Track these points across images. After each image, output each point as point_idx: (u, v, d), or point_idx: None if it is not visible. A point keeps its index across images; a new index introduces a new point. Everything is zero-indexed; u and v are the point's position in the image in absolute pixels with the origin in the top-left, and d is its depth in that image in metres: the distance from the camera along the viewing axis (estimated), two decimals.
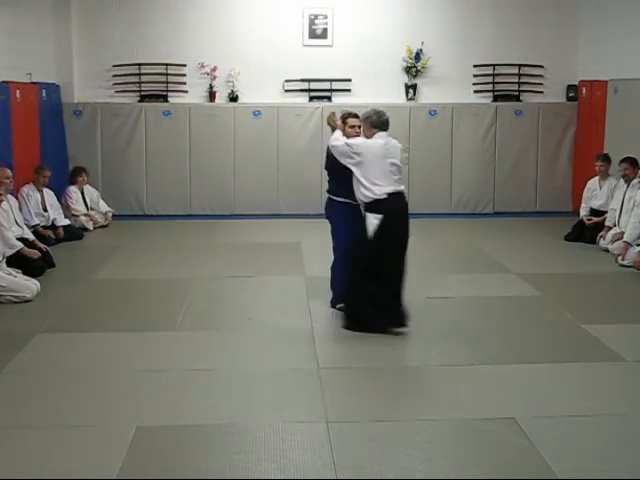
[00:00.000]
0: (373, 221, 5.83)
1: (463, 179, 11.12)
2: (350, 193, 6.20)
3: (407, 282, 6.82)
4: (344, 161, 6.01)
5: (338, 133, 6.22)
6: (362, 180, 5.90)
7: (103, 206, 10.28)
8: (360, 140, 6.06)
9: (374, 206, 5.86)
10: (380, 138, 6.02)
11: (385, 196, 5.83)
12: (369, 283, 5.82)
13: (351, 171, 6.07)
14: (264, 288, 7.15)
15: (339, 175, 6.21)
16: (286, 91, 11.01)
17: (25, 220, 8.33)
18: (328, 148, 6.36)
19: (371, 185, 5.86)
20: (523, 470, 3.77)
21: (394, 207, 5.87)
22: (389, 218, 5.81)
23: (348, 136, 6.35)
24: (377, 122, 6.05)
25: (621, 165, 8.76)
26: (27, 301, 6.57)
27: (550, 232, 9.69)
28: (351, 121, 6.37)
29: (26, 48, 9.63)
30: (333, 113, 6.42)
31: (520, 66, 11.15)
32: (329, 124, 6.37)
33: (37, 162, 9.39)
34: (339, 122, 6.32)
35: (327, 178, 6.55)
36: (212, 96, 10.92)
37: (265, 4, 10.94)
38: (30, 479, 3.68)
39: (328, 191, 6.53)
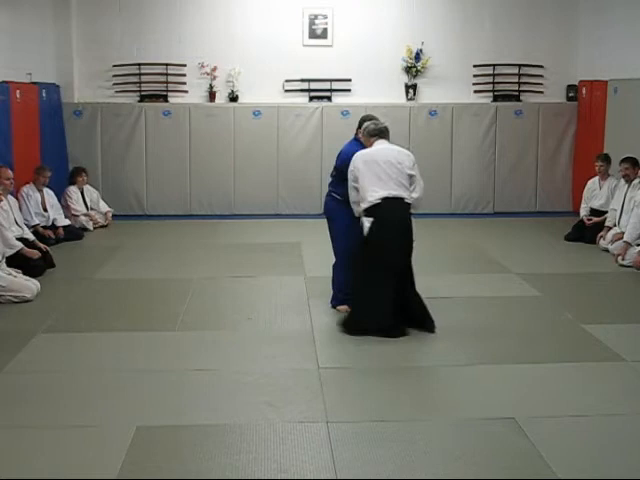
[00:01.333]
0: (365, 224, 5.75)
1: (463, 179, 11.12)
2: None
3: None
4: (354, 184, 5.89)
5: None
6: (361, 190, 5.77)
7: (103, 206, 10.28)
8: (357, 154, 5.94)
9: (368, 211, 5.74)
10: (378, 145, 5.93)
11: (379, 201, 5.68)
12: (369, 287, 5.72)
13: None
14: (264, 288, 7.14)
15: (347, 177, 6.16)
16: (286, 91, 11.01)
17: (25, 220, 8.34)
18: (341, 153, 6.35)
19: (367, 192, 5.72)
20: (523, 470, 3.77)
21: (388, 211, 5.71)
22: (381, 222, 5.69)
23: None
24: (374, 130, 5.98)
25: (621, 165, 8.75)
26: (27, 301, 6.56)
27: (550, 232, 9.69)
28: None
29: (26, 48, 9.63)
30: None
31: (520, 66, 11.15)
32: None
33: (37, 162, 9.39)
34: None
35: (332, 175, 6.50)
36: (212, 96, 10.92)
37: (265, 4, 10.94)
38: (30, 479, 3.68)
39: (331, 189, 6.49)
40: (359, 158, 5.86)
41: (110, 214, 10.30)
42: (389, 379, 4.98)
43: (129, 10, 10.82)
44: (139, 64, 10.81)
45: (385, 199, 5.69)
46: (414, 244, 5.88)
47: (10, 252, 7.08)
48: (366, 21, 11.00)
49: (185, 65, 10.87)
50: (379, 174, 5.75)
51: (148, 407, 4.47)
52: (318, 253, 7.81)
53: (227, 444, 4.01)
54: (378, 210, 5.70)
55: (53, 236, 8.86)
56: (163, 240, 9.38)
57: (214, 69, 10.81)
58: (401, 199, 5.75)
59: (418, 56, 10.92)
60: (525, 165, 11.21)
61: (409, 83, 11.06)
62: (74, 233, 9.33)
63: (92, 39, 10.79)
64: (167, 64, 10.82)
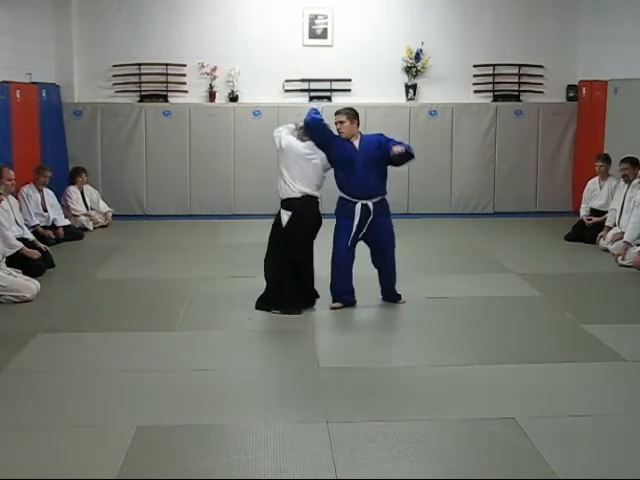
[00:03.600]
0: (284, 217, 6.28)
1: (463, 179, 11.12)
2: (344, 187, 6.28)
3: (407, 282, 6.85)
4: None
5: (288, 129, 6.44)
6: (283, 173, 6.28)
7: (103, 206, 10.28)
8: (291, 137, 6.32)
9: (288, 203, 6.27)
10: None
11: (299, 195, 6.23)
12: (287, 268, 6.31)
13: (347, 165, 6.25)
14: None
15: (334, 168, 6.37)
16: (286, 91, 11.00)
17: (25, 220, 8.33)
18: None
19: (290, 181, 6.24)
20: (523, 470, 3.77)
21: (305, 207, 6.26)
22: (298, 216, 6.24)
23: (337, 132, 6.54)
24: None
25: (621, 165, 8.75)
26: (27, 301, 6.56)
27: (550, 232, 9.69)
28: (335, 117, 6.51)
29: (26, 48, 9.63)
30: None
31: (520, 66, 11.15)
32: None
33: (37, 162, 9.39)
34: None
35: None
36: (212, 96, 10.92)
37: (265, 4, 10.93)
38: (30, 479, 3.68)
39: None
40: (290, 145, 6.34)
41: (110, 214, 10.30)
42: (389, 379, 4.98)
43: (129, 10, 10.82)
44: (139, 64, 10.80)
45: (306, 196, 6.31)
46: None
47: (10, 252, 7.08)
48: (366, 21, 11.00)
49: (185, 65, 10.87)
50: (308, 171, 6.36)
51: (148, 407, 4.47)
52: (317, 253, 7.79)
53: (227, 444, 4.02)
54: (297, 204, 6.31)
55: (53, 236, 8.85)
56: (163, 240, 9.38)
57: (214, 69, 10.81)
58: (316, 198, 6.44)
59: (418, 56, 10.91)
60: (525, 165, 11.20)
61: (409, 83, 11.06)
62: (74, 233, 9.33)
63: (92, 39, 10.79)
64: (167, 64, 10.82)
